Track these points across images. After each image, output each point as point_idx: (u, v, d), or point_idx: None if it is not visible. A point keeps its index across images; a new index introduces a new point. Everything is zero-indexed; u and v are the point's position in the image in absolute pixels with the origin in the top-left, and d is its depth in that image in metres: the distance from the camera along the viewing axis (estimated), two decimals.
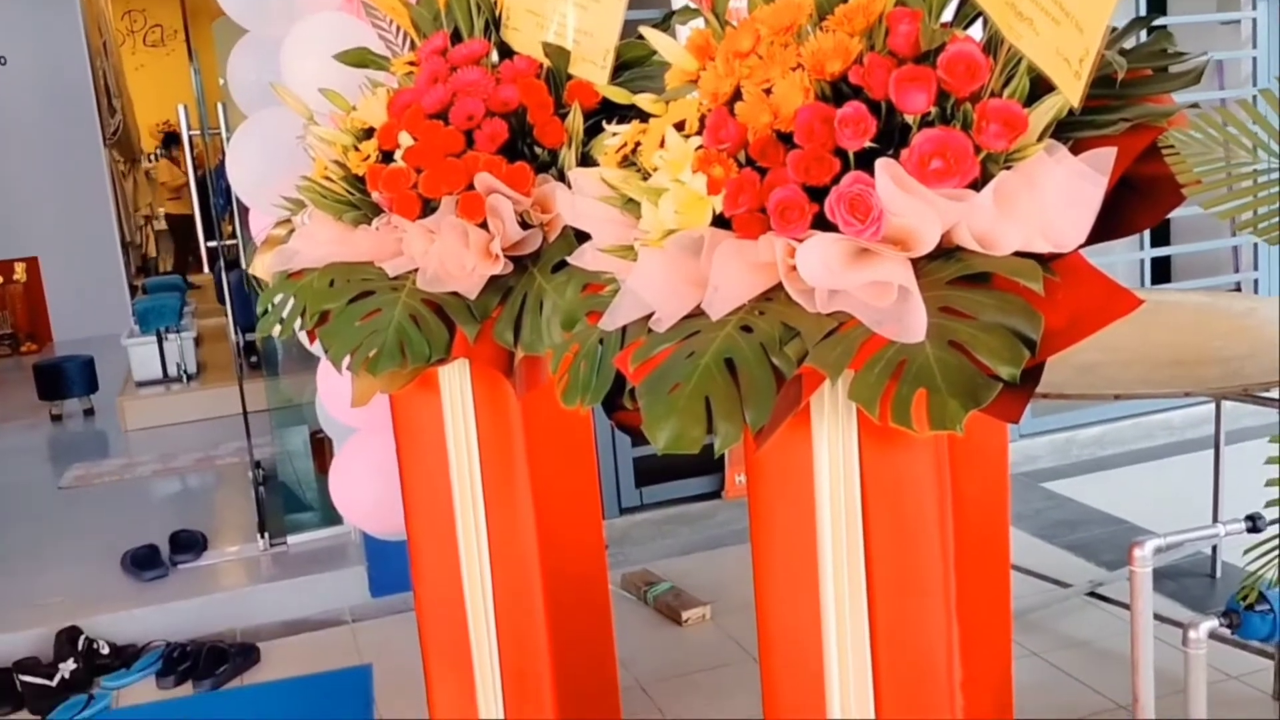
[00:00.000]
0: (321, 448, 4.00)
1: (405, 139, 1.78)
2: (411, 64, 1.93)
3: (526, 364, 1.75)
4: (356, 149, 1.87)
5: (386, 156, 1.83)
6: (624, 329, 1.41)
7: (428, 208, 1.76)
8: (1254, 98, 4.04)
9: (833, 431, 1.39)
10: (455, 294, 1.76)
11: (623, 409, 1.45)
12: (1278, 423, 2.60)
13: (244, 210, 3.22)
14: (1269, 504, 0.98)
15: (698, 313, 1.32)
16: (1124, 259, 4.41)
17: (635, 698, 2.83)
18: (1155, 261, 4.53)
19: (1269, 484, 0.97)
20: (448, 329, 1.76)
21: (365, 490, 2.78)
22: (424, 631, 2.21)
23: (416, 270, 1.78)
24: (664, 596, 3.31)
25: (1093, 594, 3.01)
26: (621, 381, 1.42)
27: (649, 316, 1.36)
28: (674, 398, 1.26)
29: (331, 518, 3.77)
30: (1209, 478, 2.98)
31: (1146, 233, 4.33)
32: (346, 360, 1.79)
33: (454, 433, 2.00)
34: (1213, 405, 2.93)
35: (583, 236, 1.56)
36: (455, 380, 1.97)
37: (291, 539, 3.88)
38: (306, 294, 1.88)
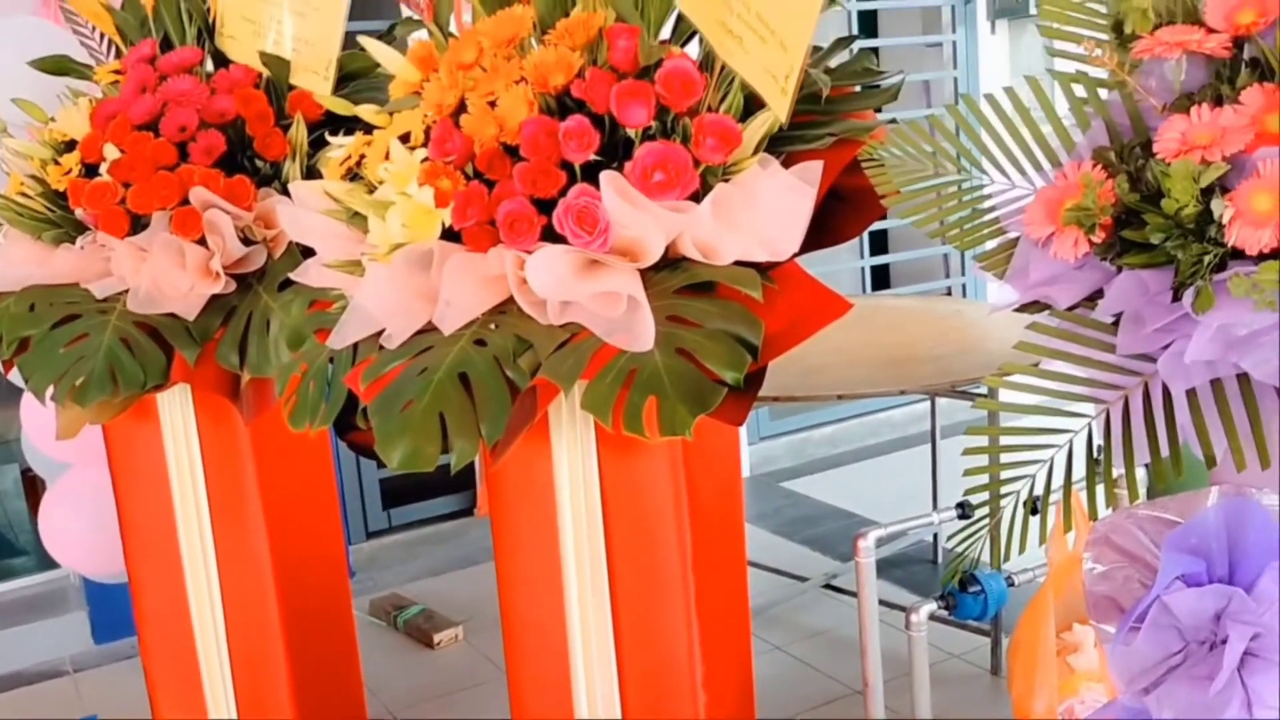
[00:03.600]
0: (34, 486, 3.70)
1: (111, 151, 1.67)
2: (117, 72, 1.81)
3: (254, 387, 1.67)
4: (56, 162, 1.73)
5: (90, 170, 1.71)
6: (355, 347, 1.37)
7: (137, 224, 1.65)
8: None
9: (571, 442, 1.40)
10: (172, 315, 1.66)
11: (356, 429, 1.40)
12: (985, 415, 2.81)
13: None
14: (967, 492, 1.05)
15: (430, 328, 1.30)
16: (847, 267, 4.67)
17: None
18: (875, 269, 4.81)
19: (967, 473, 1.04)
20: (164, 353, 1.66)
21: (79, 530, 2.58)
22: (151, 678, 2.07)
23: (127, 291, 1.67)
24: (415, 620, 3.24)
25: (828, 586, 3.17)
26: (353, 401, 1.38)
27: (380, 333, 1.32)
28: (407, 415, 1.23)
29: (48, 561, 3.49)
30: (929, 470, 3.20)
31: (867, 241, 4.60)
32: (50, 390, 1.65)
33: (176, 464, 1.88)
34: (929, 402, 3.14)
35: (310, 252, 1.51)
36: (175, 407, 1.86)
37: (2, 586, 3.56)
38: (3, 320, 1.73)
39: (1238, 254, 0.90)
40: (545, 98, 1.26)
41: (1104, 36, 1.05)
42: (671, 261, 1.26)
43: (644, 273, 1.25)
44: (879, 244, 4.80)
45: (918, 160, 1.12)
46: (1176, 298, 0.93)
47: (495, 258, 1.23)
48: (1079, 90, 1.05)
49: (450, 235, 1.27)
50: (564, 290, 1.22)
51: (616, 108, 1.21)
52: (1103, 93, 1.05)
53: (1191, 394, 0.94)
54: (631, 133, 1.24)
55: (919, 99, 4.82)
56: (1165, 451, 0.94)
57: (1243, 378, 0.94)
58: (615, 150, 1.26)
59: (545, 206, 1.23)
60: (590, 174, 1.23)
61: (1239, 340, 0.91)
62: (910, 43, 4.95)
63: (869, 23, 5.09)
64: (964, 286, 4.87)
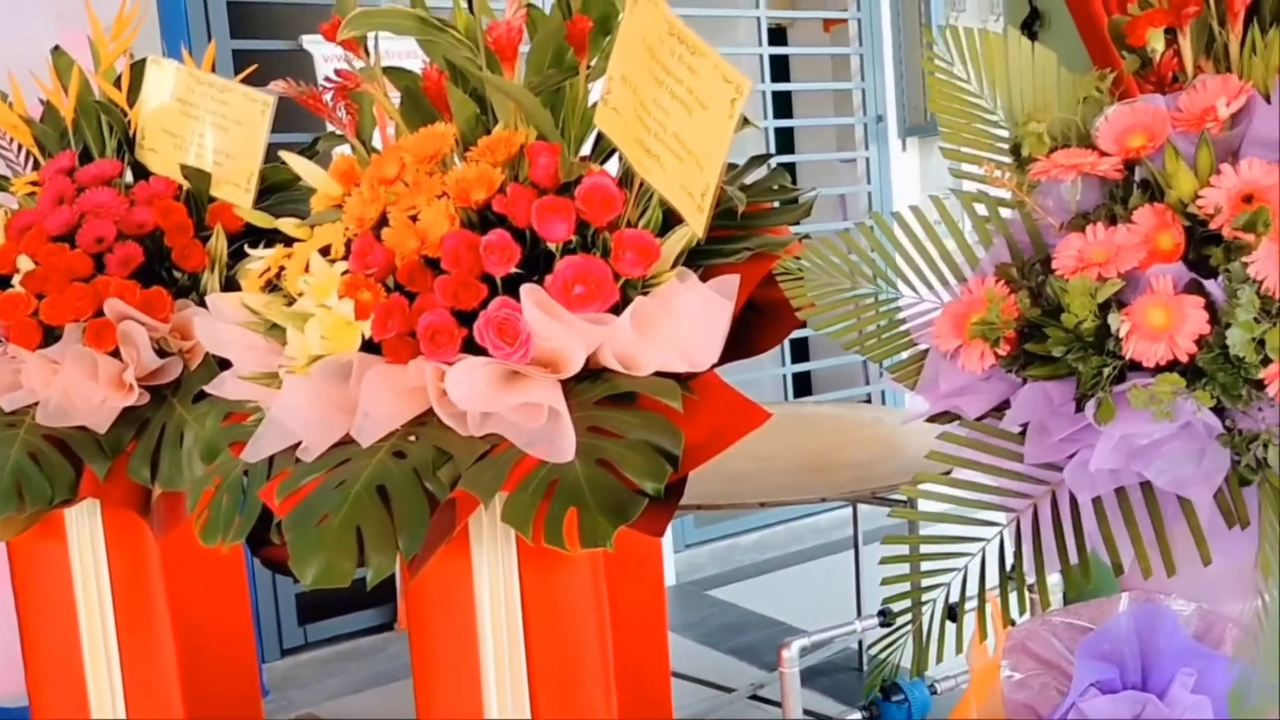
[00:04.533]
0: None
1: (25, 263, 1.65)
2: (34, 183, 1.80)
3: (165, 501, 1.64)
4: None
5: (3, 282, 1.68)
6: (270, 460, 1.35)
7: (50, 336, 1.62)
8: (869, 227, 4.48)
9: (492, 554, 1.38)
10: (83, 428, 1.63)
11: (270, 545, 1.37)
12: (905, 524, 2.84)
13: None
14: (884, 601, 1.06)
15: (348, 440, 1.28)
16: (769, 374, 4.73)
17: None
18: (796, 376, 4.88)
19: (884, 582, 1.05)
20: (73, 467, 1.62)
21: None
22: None
23: (37, 404, 1.63)
24: None
25: (754, 696, 3.13)
26: (268, 515, 1.35)
27: (296, 446, 1.31)
28: (323, 530, 1.21)
29: None
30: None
31: (788, 349, 4.67)
32: None
33: (83, 581, 1.82)
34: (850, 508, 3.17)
35: (226, 364, 1.49)
36: (83, 523, 1.80)
37: None
38: None
39: (1136, 366, 0.94)
40: (467, 212, 1.28)
41: (1004, 159, 1.10)
42: (592, 372, 1.27)
43: (565, 384, 1.25)
44: (800, 352, 4.89)
45: (829, 274, 1.15)
46: (1079, 408, 0.97)
47: (415, 369, 1.23)
48: (981, 209, 1.09)
49: (369, 347, 1.27)
50: (484, 402, 1.22)
51: (537, 223, 1.23)
52: (1004, 211, 1.10)
53: (1097, 502, 0.97)
54: (552, 246, 1.25)
55: (835, 212, 4.96)
56: (1074, 559, 0.96)
57: (1146, 486, 0.97)
58: (536, 263, 1.27)
59: (466, 319, 1.24)
60: (511, 287, 1.24)
61: (1141, 450, 0.94)
62: (826, 159, 5.11)
63: (786, 140, 5.26)
64: (883, 393, 4.95)
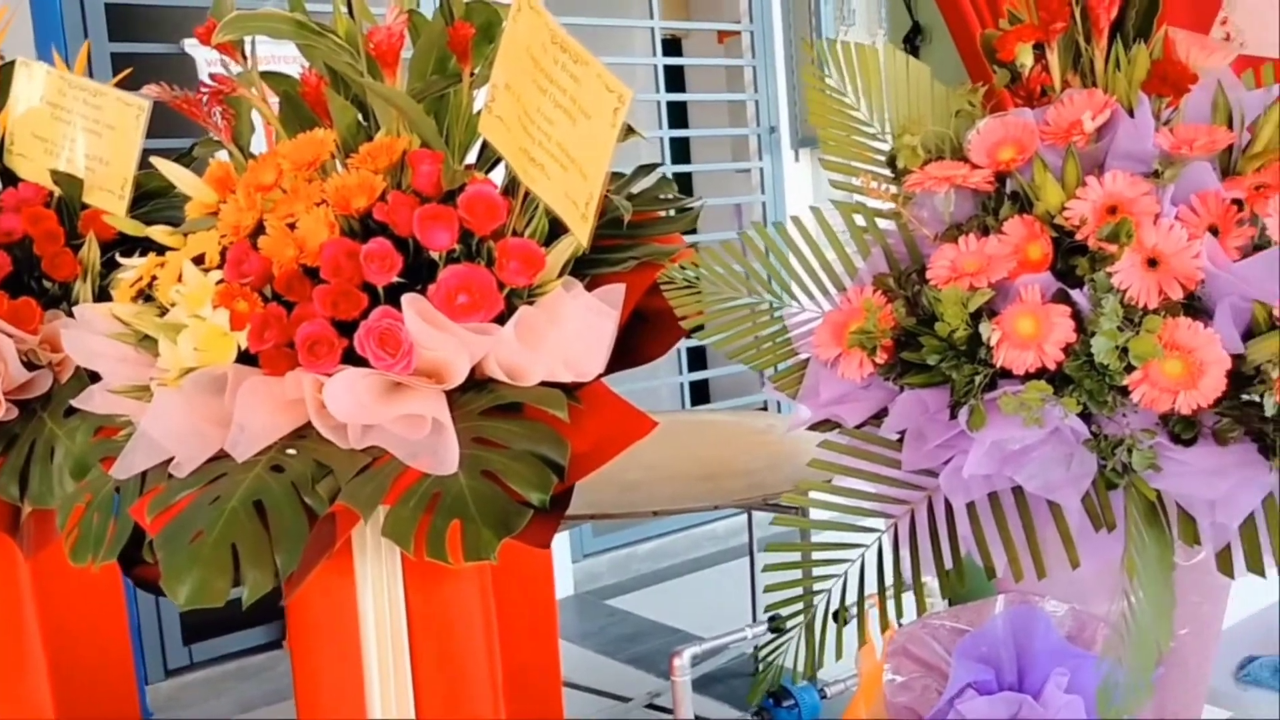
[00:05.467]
0: None
1: None
2: None
3: (36, 519, 1.57)
4: None
5: None
6: (143, 476, 1.30)
7: None
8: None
9: (376, 569, 1.35)
10: None
11: (143, 563, 1.33)
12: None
13: None
14: (768, 607, 1.06)
15: (223, 455, 1.25)
16: (666, 382, 4.75)
17: None
18: (694, 384, 4.90)
19: (768, 589, 1.06)
20: None
21: None
22: None
23: None
24: None
25: (651, 705, 3.13)
26: (141, 533, 1.30)
27: (169, 461, 1.27)
28: (196, 547, 1.17)
29: None
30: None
31: (685, 357, 4.70)
32: None
33: None
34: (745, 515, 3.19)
35: (98, 377, 1.44)
36: None
37: None
38: None
39: (1007, 374, 0.96)
40: (347, 220, 1.25)
41: (881, 171, 1.12)
42: (477, 383, 1.26)
43: (449, 394, 1.23)
44: (698, 359, 4.91)
45: (713, 283, 1.16)
46: (954, 416, 0.98)
47: (293, 381, 1.20)
48: (859, 220, 1.11)
49: (246, 359, 1.24)
50: (365, 414, 1.19)
51: (419, 231, 1.21)
52: (883, 222, 1.12)
53: (971, 507, 0.99)
54: (435, 255, 1.24)
55: (731, 222, 5.00)
56: (949, 563, 0.98)
57: (1018, 491, 0.99)
58: (419, 272, 1.25)
59: (346, 329, 1.21)
60: (393, 296, 1.22)
61: (1012, 455, 0.97)
62: (721, 169, 5.15)
63: (683, 150, 5.29)
64: (779, 402, 5.00)
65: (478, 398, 1.25)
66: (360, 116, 1.35)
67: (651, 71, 4.54)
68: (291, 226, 1.24)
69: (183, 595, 1.15)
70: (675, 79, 5.20)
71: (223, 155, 1.49)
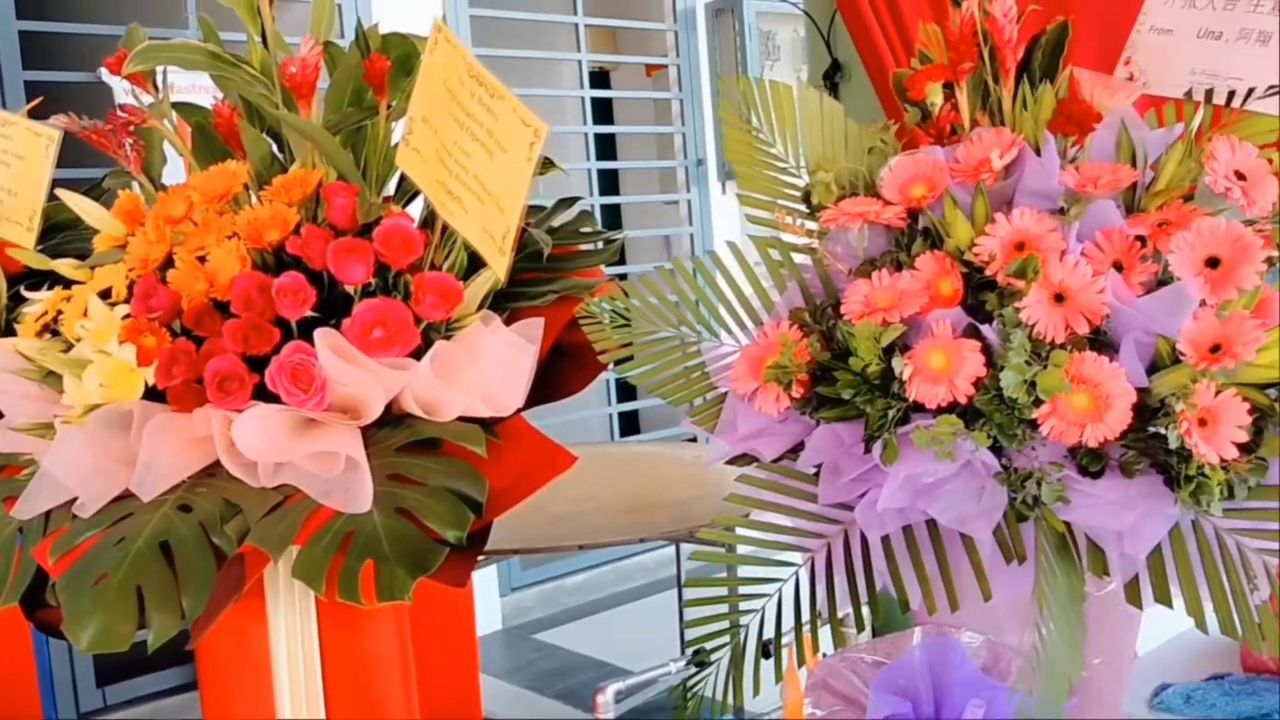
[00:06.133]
0: None
1: None
2: None
3: None
4: None
5: None
6: (47, 515, 1.26)
7: None
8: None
9: (289, 610, 1.32)
10: None
11: (47, 606, 1.28)
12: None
13: None
14: (688, 643, 1.06)
15: (129, 494, 1.21)
16: (596, 413, 4.74)
17: None
18: (624, 415, 4.90)
19: (689, 625, 1.05)
20: None
21: None
22: None
23: None
24: None
25: None
26: (44, 576, 1.26)
27: (74, 501, 1.23)
28: (100, 590, 1.14)
29: None
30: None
31: (614, 388, 4.70)
32: None
33: None
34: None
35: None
36: None
37: None
38: None
39: (919, 408, 0.97)
40: (260, 253, 1.23)
41: (797, 206, 1.13)
42: (394, 418, 1.24)
43: (365, 431, 1.21)
44: (627, 391, 4.92)
45: (631, 317, 1.16)
46: (868, 449, 0.99)
47: (201, 418, 1.17)
48: (775, 255, 1.12)
49: (153, 395, 1.21)
50: (277, 451, 1.17)
51: (333, 265, 1.20)
52: (798, 257, 1.12)
53: (886, 541, 0.99)
54: (350, 289, 1.22)
55: (660, 253, 5.03)
56: (865, 596, 0.98)
57: (932, 524, 1.00)
58: (335, 306, 1.24)
59: (258, 364, 1.19)
60: (307, 331, 1.20)
61: (925, 488, 0.97)
62: (649, 200, 5.19)
63: (611, 182, 5.31)
64: None
65: (394, 434, 1.23)
66: (275, 148, 1.33)
67: (579, 103, 4.56)
68: (202, 260, 1.22)
69: (85, 640, 1.11)
70: (603, 111, 5.23)
71: (136, 187, 1.46)
